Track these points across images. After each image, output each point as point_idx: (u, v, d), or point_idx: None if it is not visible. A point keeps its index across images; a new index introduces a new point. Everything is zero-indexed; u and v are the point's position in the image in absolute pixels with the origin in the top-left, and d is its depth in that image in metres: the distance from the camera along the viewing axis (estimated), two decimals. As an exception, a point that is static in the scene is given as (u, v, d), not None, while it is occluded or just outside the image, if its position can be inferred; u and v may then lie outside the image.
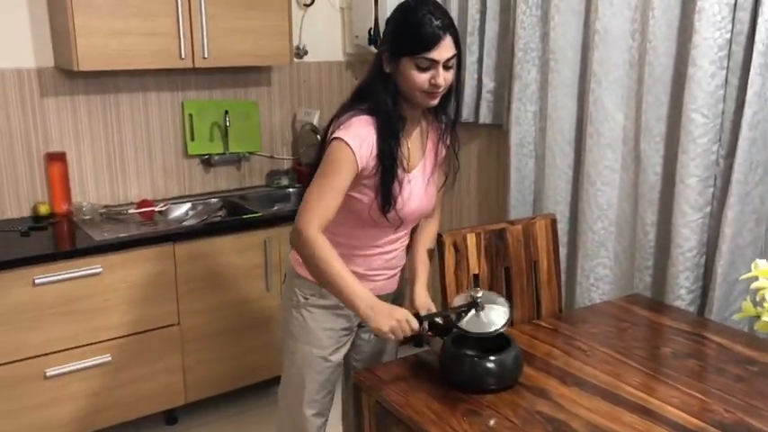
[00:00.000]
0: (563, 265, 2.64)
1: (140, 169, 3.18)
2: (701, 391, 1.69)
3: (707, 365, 1.87)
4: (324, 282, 1.74)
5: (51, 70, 2.92)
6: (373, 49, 3.27)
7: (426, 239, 2.03)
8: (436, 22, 1.70)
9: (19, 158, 2.91)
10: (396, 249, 1.97)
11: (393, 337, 1.65)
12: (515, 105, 2.83)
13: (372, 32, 3.34)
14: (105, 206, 3.03)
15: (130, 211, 2.97)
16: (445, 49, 1.71)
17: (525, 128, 2.84)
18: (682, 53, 2.30)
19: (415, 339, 2.04)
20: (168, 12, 2.81)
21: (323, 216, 1.71)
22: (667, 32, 2.31)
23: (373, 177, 1.78)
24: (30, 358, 2.54)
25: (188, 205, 3.20)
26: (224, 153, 3.35)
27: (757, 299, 1.40)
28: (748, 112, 2.08)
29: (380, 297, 1.82)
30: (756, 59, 2.05)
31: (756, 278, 1.41)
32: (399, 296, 2.07)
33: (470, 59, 3.07)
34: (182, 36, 2.84)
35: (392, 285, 2.02)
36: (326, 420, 2.06)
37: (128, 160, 3.14)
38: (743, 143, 2.10)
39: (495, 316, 1.74)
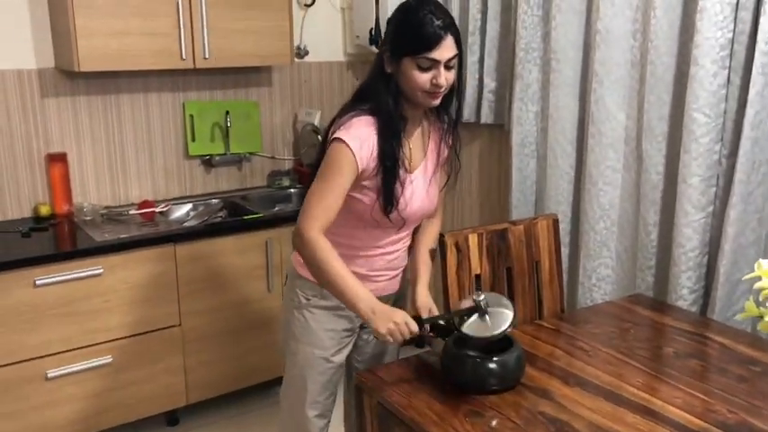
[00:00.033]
0: (565, 266, 2.63)
1: (141, 170, 3.18)
2: (703, 392, 1.68)
3: (709, 366, 1.86)
4: (325, 283, 1.74)
5: (52, 71, 2.91)
6: (374, 49, 3.26)
7: (428, 240, 2.03)
8: (437, 22, 1.69)
9: (20, 159, 2.91)
10: (398, 250, 1.96)
11: (391, 339, 1.65)
12: (517, 105, 2.83)
13: (373, 32, 3.34)
14: (106, 207, 3.03)
15: (131, 212, 2.97)
16: (446, 49, 1.71)
17: (527, 128, 2.84)
18: (683, 53, 2.30)
19: (416, 341, 2.03)
20: (169, 12, 2.80)
21: (324, 217, 1.71)
22: (669, 32, 2.30)
23: (375, 178, 1.78)
24: (30, 359, 2.54)
25: (189, 206, 3.19)
26: (225, 153, 3.35)
27: (760, 299, 1.40)
28: (750, 111, 2.07)
29: (382, 298, 1.82)
30: (758, 59, 2.04)
31: (759, 278, 1.40)
32: (401, 297, 2.07)
33: (472, 59, 3.06)
34: (182, 36, 2.84)
35: (394, 286, 2.02)
36: (329, 422, 2.06)
37: (129, 161, 3.14)
38: (745, 142, 2.10)
39: (499, 320, 1.72)
